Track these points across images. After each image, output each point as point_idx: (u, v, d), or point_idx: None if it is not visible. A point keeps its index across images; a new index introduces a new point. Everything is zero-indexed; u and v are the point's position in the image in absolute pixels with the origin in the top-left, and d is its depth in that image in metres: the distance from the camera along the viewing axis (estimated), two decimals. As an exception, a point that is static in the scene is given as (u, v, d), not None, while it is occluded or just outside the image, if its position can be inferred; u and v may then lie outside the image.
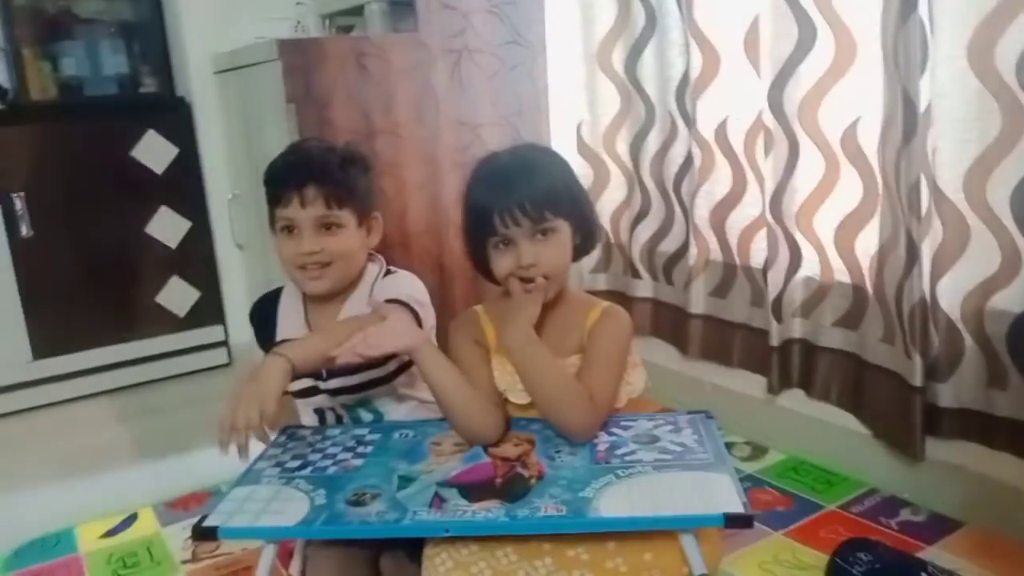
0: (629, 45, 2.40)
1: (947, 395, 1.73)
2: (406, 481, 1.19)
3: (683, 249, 2.34)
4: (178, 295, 2.69)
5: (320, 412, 1.53)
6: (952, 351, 1.71)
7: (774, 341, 2.06)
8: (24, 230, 2.44)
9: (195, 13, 2.59)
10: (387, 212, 1.92)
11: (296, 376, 1.28)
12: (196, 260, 2.70)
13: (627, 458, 1.20)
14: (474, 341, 1.37)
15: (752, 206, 2.12)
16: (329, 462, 1.28)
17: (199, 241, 2.70)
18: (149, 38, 2.69)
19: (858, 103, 1.83)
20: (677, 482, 1.13)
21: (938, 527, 1.74)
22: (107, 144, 2.55)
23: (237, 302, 2.69)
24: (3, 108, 2.48)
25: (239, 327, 2.67)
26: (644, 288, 2.53)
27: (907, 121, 1.65)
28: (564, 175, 1.34)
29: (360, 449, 1.32)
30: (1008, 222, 1.58)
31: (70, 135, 2.51)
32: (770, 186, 2.01)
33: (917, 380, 1.72)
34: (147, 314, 2.66)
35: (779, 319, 2.05)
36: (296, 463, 1.29)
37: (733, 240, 2.19)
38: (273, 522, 1.13)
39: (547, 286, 1.29)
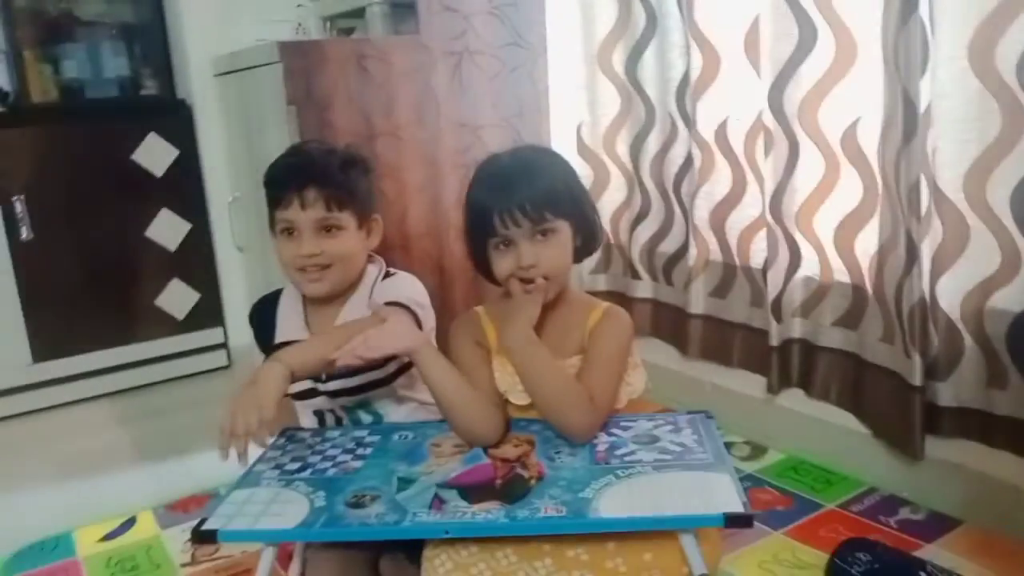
0: (630, 46, 2.40)
1: (947, 394, 1.74)
2: (406, 483, 1.19)
3: (683, 249, 2.34)
4: (178, 297, 2.69)
5: (319, 414, 1.53)
6: (952, 350, 1.71)
7: (774, 341, 2.06)
8: (24, 233, 2.44)
9: (196, 15, 2.59)
10: (387, 214, 1.92)
11: (295, 381, 1.28)
12: (196, 262, 2.70)
13: (627, 458, 1.20)
14: (475, 342, 1.37)
15: (752, 206, 2.12)
16: (328, 464, 1.28)
17: (199, 243, 2.70)
18: (150, 40, 2.69)
19: (858, 103, 1.83)
20: (677, 482, 1.13)
21: (937, 526, 1.74)
22: (108, 146, 2.55)
23: (237, 304, 2.69)
24: (4, 111, 2.47)
25: (239, 329, 2.67)
26: (644, 289, 2.53)
27: (907, 121, 1.65)
28: (565, 176, 1.34)
29: (360, 451, 1.32)
30: (1008, 222, 1.58)
31: (71, 138, 2.51)
32: (770, 186, 2.01)
33: (917, 379, 1.72)
34: (147, 317, 2.65)
35: (779, 319, 2.05)
36: (295, 465, 1.29)
37: (733, 240, 2.19)
38: (272, 524, 1.13)
39: (547, 287, 1.29)
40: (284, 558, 1.33)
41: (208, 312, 2.73)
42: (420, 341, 1.30)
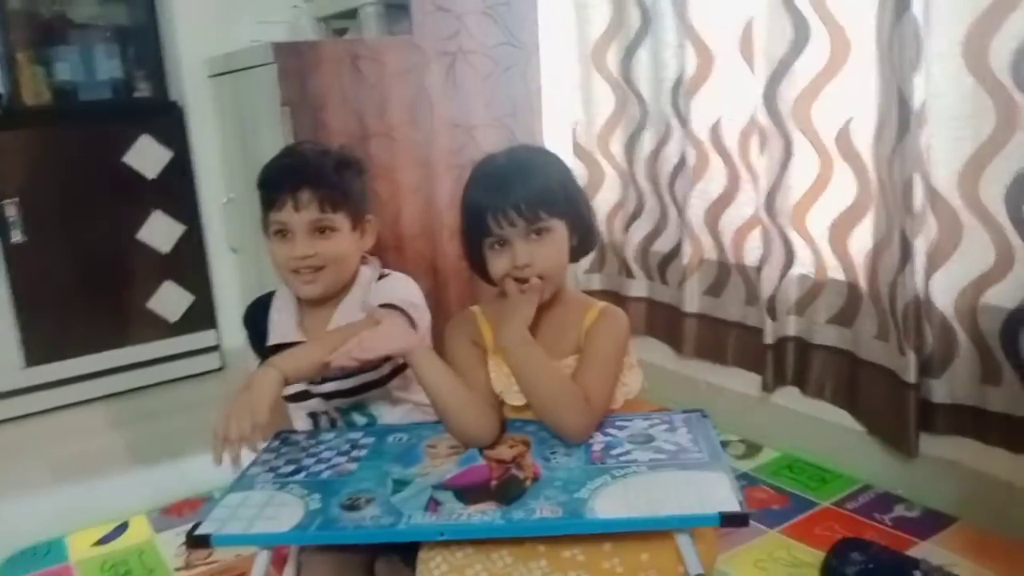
0: (624, 46, 2.40)
1: (941, 391, 1.74)
2: (401, 485, 1.18)
3: (677, 248, 2.34)
4: (171, 300, 2.69)
5: (314, 416, 1.52)
6: (946, 347, 1.71)
7: (768, 339, 2.06)
8: (16, 236, 2.44)
9: (189, 17, 2.59)
10: (381, 215, 1.92)
11: (288, 385, 1.27)
12: (189, 264, 2.70)
13: (622, 458, 1.20)
14: (471, 342, 1.37)
15: (746, 205, 2.12)
16: (323, 466, 1.27)
17: (192, 245, 2.69)
18: (143, 43, 2.69)
19: (852, 101, 1.83)
20: (673, 482, 1.13)
21: (932, 523, 1.74)
22: (101, 149, 2.55)
23: (230, 307, 2.68)
24: (-3, 113, 2.47)
25: (232, 332, 2.67)
26: (638, 288, 2.53)
27: (901, 119, 1.65)
28: (560, 175, 1.34)
29: (354, 453, 1.31)
30: (1002, 219, 1.58)
31: (64, 140, 2.51)
32: (764, 185, 2.02)
33: (911, 376, 1.72)
34: (139, 319, 2.65)
35: (773, 317, 2.05)
36: (290, 468, 1.28)
37: (727, 239, 2.19)
38: (267, 528, 1.12)
39: (543, 286, 1.29)
40: (279, 561, 1.33)
41: (201, 314, 2.73)
42: (415, 342, 1.30)
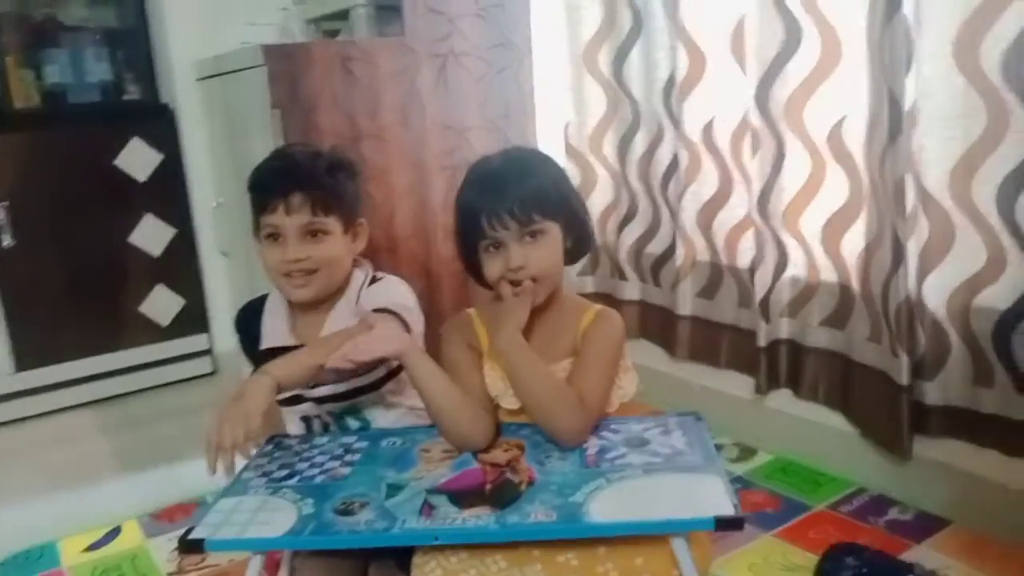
0: (615, 47, 2.40)
1: (934, 393, 1.74)
2: (395, 489, 1.18)
3: (670, 250, 2.34)
4: (162, 304, 2.67)
5: (307, 420, 1.51)
6: (938, 349, 1.72)
7: (762, 341, 2.06)
8: (6, 240, 2.42)
9: (179, 20, 2.57)
10: (374, 217, 1.91)
11: (281, 392, 1.27)
12: (180, 268, 2.68)
13: (617, 462, 1.20)
14: (467, 345, 1.36)
15: (739, 207, 2.12)
16: (316, 471, 1.27)
17: (183, 249, 2.68)
18: (133, 45, 2.67)
19: (844, 102, 1.83)
20: (667, 485, 1.13)
21: (926, 526, 1.74)
22: (91, 152, 2.53)
23: (222, 310, 2.67)
24: (-15, 116, 2.46)
25: (224, 336, 2.65)
26: (632, 290, 2.53)
27: (892, 120, 1.65)
28: (555, 178, 1.33)
29: (348, 457, 1.31)
30: (993, 220, 1.58)
31: (53, 143, 2.49)
32: (757, 186, 2.02)
33: (904, 379, 1.72)
34: (131, 323, 2.63)
35: (766, 319, 2.05)
36: (283, 472, 1.27)
37: (720, 241, 2.19)
38: (260, 533, 1.11)
39: (537, 289, 1.29)
40: (271, 566, 1.31)
41: (192, 318, 2.72)
42: (409, 344, 1.30)
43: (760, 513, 1.83)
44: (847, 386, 1.94)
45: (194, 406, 2.02)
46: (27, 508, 2.05)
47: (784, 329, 2.06)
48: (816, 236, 1.96)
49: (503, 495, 1.13)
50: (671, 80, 2.21)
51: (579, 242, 1.36)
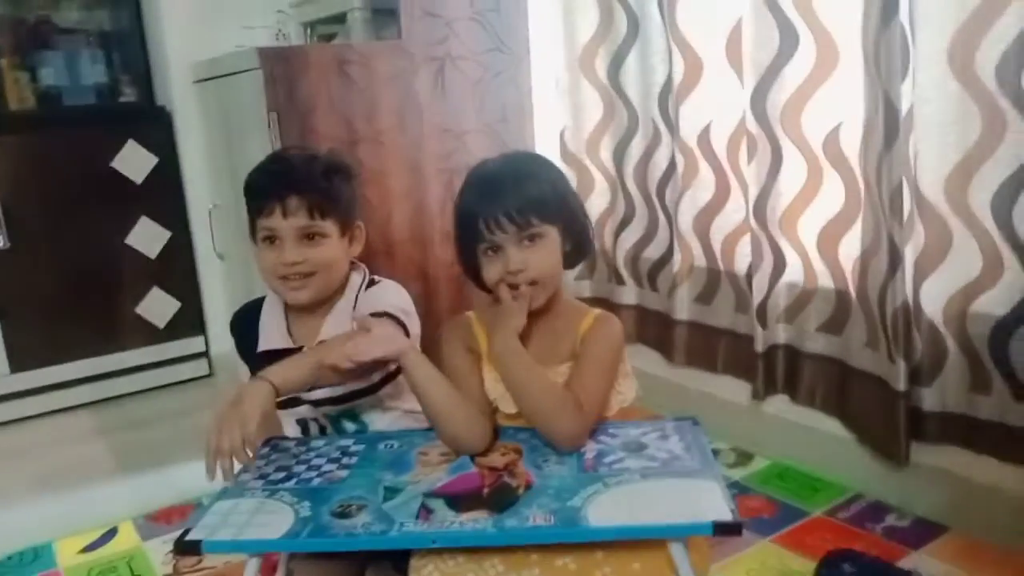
0: (612, 52, 2.40)
1: (931, 399, 1.74)
2: (392, 492, 1.18)
3: (667, 255, 2.34)
4: (158, 306, 2.67)
5: (303, 423, 1.51)
6: (935, 355, 1.72)
7: (759, 347, 2.07)
8: (1, 242, 2.42)
9: (175, 22, 2.57)
10: (371, 220, 1.91)
11: (279, 397, 1.27)
12: (176, 270, 2.68)
13: (615, 466, 1.19)
14: (466, 348, 1.36)
15: (736, 212, 2.13)
16: (314, 474, 1.26)
17: (179, 251, 2.68)
18: (129, 47, 2.68)
19: (840, 108, 1.83)
20: (665, 490, 1.13)
21: (923, 532, 1.74)
22: (86, 154, 2.53)
23: (218, 313, 2.67)
24: (-20, 118, 2.46)
25: (220, 338, 2.65)
26: (629, 295, 2.53)
27: (888, 125, 1.65)
28: (554, 181, 1.33)
29: (345, 460, 1.30)
30: (989, 225, 1.59)
31: (49, 145, 2.49)
32: (753, 192, 2.02)
33: (901, 384, 1.72)
34: (127, 325, 2.63)
35: (764, 325, 2.05)
36: (280, 475, 1.27)
37: (717, 246, 2.19)
38: (257, 535, 1.11)
39: (535, 293, 1.29)
40: (268, 568, 1.31)
41: (189, 320, 2.72)
42: (407, 346, 1.29)
43: (757, 519, 1.83)
44: (844, 392, 1.94)
45: (190, 408, 2.02)
46: (23, 509, 2.04)
47: (781, 334, 2.06)
48: (813, 242, 1.96)
49: (500, 499, 1.13)
50: (667, 85, 2.21)
51: (578, 246, 1.36)
